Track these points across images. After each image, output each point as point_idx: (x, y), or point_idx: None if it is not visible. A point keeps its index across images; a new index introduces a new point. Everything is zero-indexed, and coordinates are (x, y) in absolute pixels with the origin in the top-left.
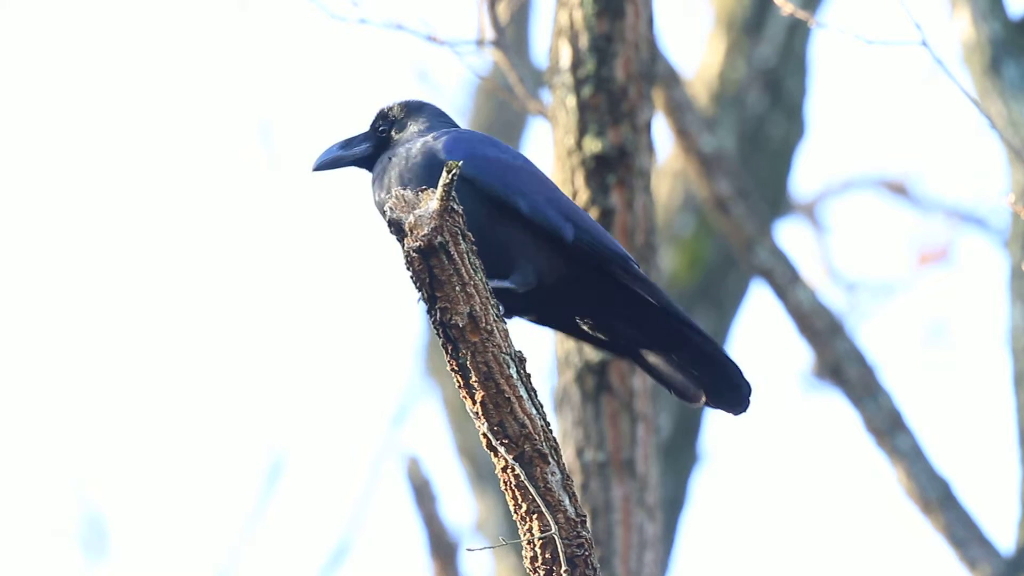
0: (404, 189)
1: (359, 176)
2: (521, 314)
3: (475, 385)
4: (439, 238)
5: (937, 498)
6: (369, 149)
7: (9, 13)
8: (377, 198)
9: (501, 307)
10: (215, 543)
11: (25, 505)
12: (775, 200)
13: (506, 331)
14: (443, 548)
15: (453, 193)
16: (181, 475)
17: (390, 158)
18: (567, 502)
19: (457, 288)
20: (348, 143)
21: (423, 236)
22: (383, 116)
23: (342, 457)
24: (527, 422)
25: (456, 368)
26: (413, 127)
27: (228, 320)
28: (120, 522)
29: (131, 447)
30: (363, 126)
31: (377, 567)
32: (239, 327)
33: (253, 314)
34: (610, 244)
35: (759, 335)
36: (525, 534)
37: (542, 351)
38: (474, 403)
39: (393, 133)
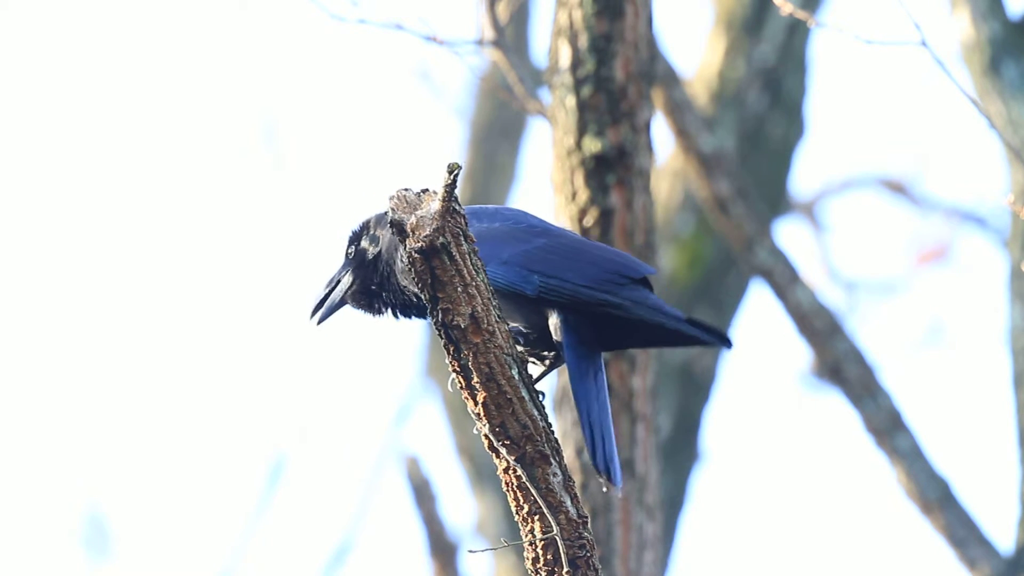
0: (406, 191)
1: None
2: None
3: (477, 386)
4: (441, 239)
5: (937, 498)
6: (353, 277)
7: (9, 13)
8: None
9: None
10: (217, 543)
11: (27, 505)
12: (775, 200)
13: (508, 332)
14: (443, 548)
15: (455, 194)
16: (183, 475)
17: (387, 264)
18: (569, 503)
19: (459, 289)
20: (331, 282)
21: (425, 237)
22: (354, 240)
23: (342, 457)
24: (529, 423)
25: (458, 369)
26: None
27: (230, 321)
28: (122, 522)
29: (133, 447)
30: (337, 258)
31: (377, 567)
32: (241, 328)
33: (255, 314)
34: (587, 280)
35: (759, 335)
36: (527, 535)
37: None
38: (476, 404)
39: (369, 246)
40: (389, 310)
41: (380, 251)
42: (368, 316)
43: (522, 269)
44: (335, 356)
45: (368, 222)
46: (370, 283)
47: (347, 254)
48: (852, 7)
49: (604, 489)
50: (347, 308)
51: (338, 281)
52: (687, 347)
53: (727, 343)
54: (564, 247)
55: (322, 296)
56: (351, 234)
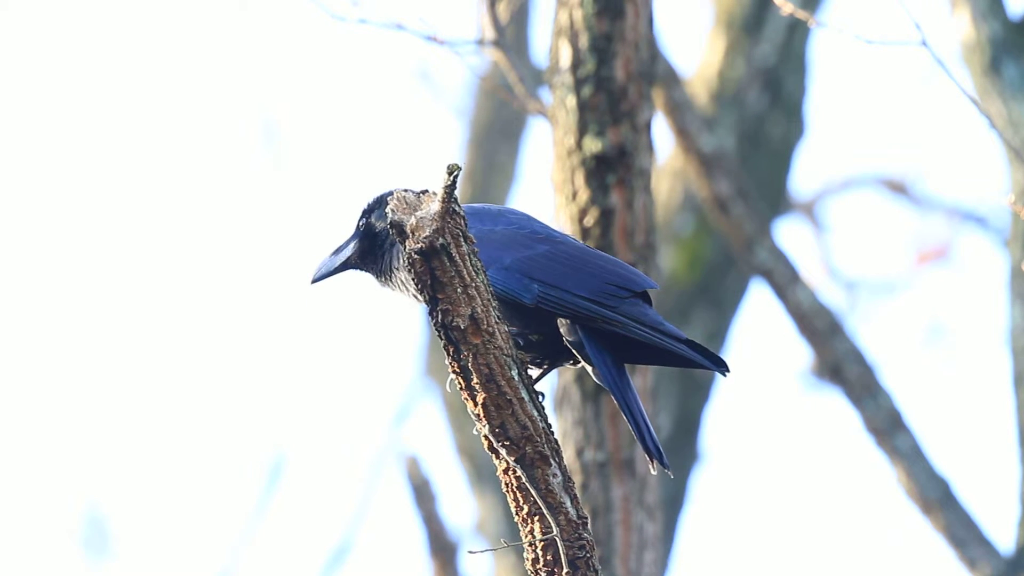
0: (405, 192)
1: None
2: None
3: (477, 387)
4: (440, 240)
5: (937, 498)
6: (359, 246)
7: (9, 13)
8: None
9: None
10: (216, 543)
11: (27, 505)
12: (775, 200)
13: (507, 333)
14: (443, 548)
15: (455, 195)
16: (183, 475)
17: (391, 245)
18: (568, 504)
19: (459, 290)
20: (337, 249)
21: (424, 238)
22: (366, 213)
23: (342, 457)
24: (528, 424)
25: (458, 370)
26: None
27: (230, 320)
28: (122, 522)
29: (133, 447)
30: (348, 229)
31: (377, 567)
32: (241, 327)
33: (254, 314)
34: (587, 292)
35: (759, 335)
36: (526, 536)
37: None
38: (476, 405)
39: (378, 222)
40: (387, 283)
41: (386, 227)
42: (367, 283)
43: (523, 277)
44: (335, 356)
45: (382, 197)
46: (373, 254)
47: (358, 225)
48: (852, 7)
49: (653, 472)
50: (346, 281)
51: (342, 248)
52: (683, 367)
53: (724, 369)
54: (566, 256)
55: (326, 260)
56: (365, 206)
